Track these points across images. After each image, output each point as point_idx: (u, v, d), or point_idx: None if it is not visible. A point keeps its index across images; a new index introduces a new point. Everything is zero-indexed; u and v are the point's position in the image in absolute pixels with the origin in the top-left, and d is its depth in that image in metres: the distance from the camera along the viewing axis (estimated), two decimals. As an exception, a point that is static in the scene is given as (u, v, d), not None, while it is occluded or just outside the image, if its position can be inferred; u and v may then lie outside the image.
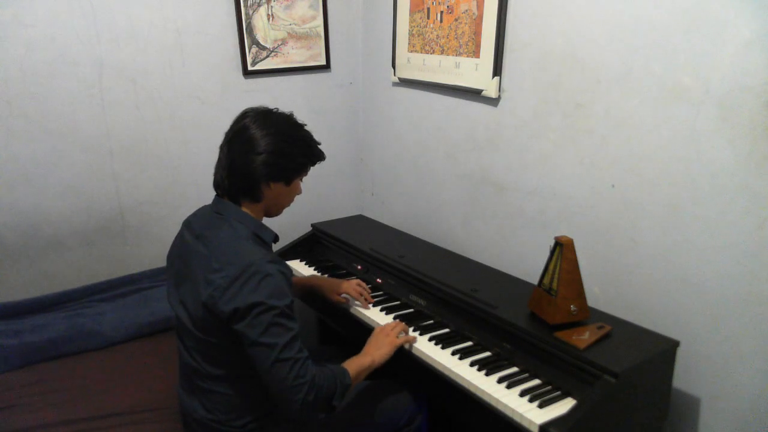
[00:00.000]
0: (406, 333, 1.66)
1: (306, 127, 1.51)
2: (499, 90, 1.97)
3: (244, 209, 1.45)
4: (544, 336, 1.49)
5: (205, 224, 1.45)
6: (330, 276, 2.07)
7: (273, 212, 1.53)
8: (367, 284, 1.99)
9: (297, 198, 2.81)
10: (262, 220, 1.50)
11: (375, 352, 1.56)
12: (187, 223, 1.52)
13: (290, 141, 1.43)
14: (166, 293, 1.54)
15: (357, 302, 1.86)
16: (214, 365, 1.43)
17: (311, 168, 1.52)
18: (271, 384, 1.33)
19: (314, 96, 2.59)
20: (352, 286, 1.86)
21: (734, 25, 1.35)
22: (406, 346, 1.64)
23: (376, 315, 1.80)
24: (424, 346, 1.62)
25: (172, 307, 1.49)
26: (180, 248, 1.50)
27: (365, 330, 1.74)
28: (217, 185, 1.47)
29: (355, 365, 1.49)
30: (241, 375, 1.43)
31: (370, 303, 1.85)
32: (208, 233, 1.42)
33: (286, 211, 1.48)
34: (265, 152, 1.39)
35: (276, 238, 1.51)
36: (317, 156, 1.50)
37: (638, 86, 1.57)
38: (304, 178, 1.53)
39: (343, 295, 1.86)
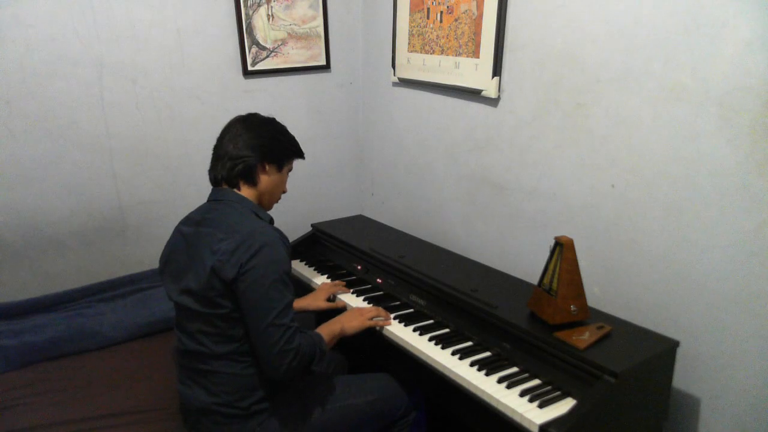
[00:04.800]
0: (386, 318, 1.76)
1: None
2: (499, 90, 1.97)
3: (242, 193, 1.54)
4: (544, 336, 1.49)
5: (204, 211, 1.54)
6: (329, 277, 2.08)
7: (265, 202, 1.60)
8: (367, 284, 2.00)
9: (297, 198, 2.80)
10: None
11: (346, 323, 1.69)
12: (185, 221, 1.57)
13: (277, 131, 1.60)
14: (166, 294, 1.56)
15: (342, 296, 1.92)
16: (222, 343, 1.46)
17: (294, 165, 1.66)
18: (261, 347, 1.42)
19: (314, 96, 2.59)
20: (326, 287, 1.97)
21: (734, 25, 1.36)
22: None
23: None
24: (424, 346, 1.62)
25: (174, 300, 1.52)
26: (177, 244, 1.54)
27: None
28: (214, 179, 1.57)
29: (327, 331, 1.63)
30: (249, 351, 1.47)
31: (346, 289, 1.96)
32: (209, 216, 1.51)
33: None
34: (257, 137, 1.54)
35: (272, 221, 1.59)
36: (300, 150, 1.65)
37: (638, 86, 1.57)
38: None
39: (330, 297, 1.93)
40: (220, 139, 1.56)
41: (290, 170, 1.65)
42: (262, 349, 1.42)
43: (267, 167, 1.55)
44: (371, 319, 1.73)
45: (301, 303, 1.91)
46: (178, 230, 1.57)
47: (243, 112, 1.62)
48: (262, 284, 1.39)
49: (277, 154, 1.57)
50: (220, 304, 1.43)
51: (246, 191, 1.54)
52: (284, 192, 1.65)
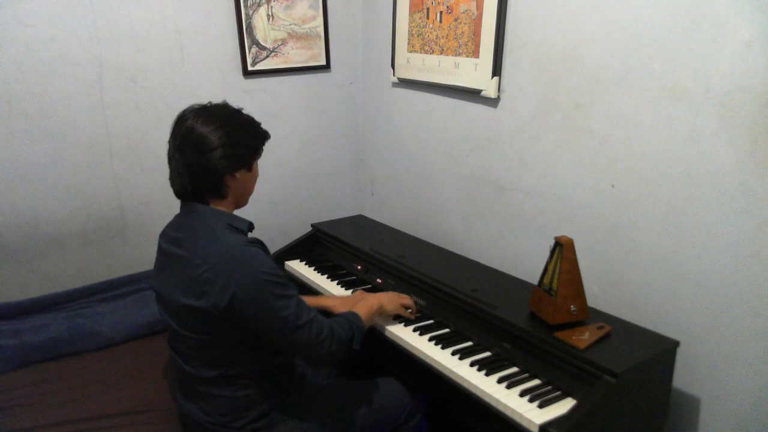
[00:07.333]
0: (413, 311, 1.76)
1: (243, 111, 1.52)
2: (499, 90, 1.97)
3: (213, 206, 1.45)
4: (544, 336, 1.49)
5: (179, 228, 1.47)
6: (330, 277, 2.07)
7: (241, 203, 1.53)
8: (367, 284, 2.00)
9: (297, 198, 2.80)
10: (233, 213, 1.50)
11: (385, 301, 1.68)
12: (163, 234, 1.53)
13: (238, 128, 1.44)
14: (157, 308, 1.54)
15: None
16: (210, 367, 1.43)
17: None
18: (297, 350, 1.42)
19: (314, 96, 2.59)
20: (402, 301, 1.75)
21: (734, 25, 1.36)
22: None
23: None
24: (424, 346, 1.62)
25: (162, 317, 1.50)
26: (160, 260, 1.51)
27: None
28: (180, 193, 1.46)
29: (365, 308, 1.61)
30: (238, 374, 1.44)
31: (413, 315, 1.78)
32: (182, 235, 1.43)
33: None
34: (220, 146, 1.39)
35: (251, 227, 1.50)
36: (264, 135, 1.52)
37: (638, 86, 1.57)
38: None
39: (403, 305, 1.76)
40: (178, 146, 1.41)
41: (259, 157, 1.53)
42: (299, 351, 1.42)
43: (237, 175, 1.44)
44: (405, 308, 1.73)
45: (327, 302, 1.78)
46: (160, 246, 1.52)
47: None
48: (262, 300, 1.33)
49: (244, 157, 1.45)
50: (208, 329, 1.39)
51: (217, 204, 1.45)
52: (257, 176, 1.55)
